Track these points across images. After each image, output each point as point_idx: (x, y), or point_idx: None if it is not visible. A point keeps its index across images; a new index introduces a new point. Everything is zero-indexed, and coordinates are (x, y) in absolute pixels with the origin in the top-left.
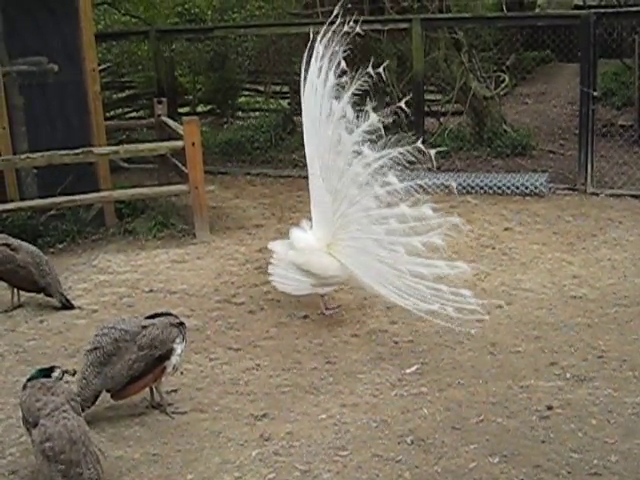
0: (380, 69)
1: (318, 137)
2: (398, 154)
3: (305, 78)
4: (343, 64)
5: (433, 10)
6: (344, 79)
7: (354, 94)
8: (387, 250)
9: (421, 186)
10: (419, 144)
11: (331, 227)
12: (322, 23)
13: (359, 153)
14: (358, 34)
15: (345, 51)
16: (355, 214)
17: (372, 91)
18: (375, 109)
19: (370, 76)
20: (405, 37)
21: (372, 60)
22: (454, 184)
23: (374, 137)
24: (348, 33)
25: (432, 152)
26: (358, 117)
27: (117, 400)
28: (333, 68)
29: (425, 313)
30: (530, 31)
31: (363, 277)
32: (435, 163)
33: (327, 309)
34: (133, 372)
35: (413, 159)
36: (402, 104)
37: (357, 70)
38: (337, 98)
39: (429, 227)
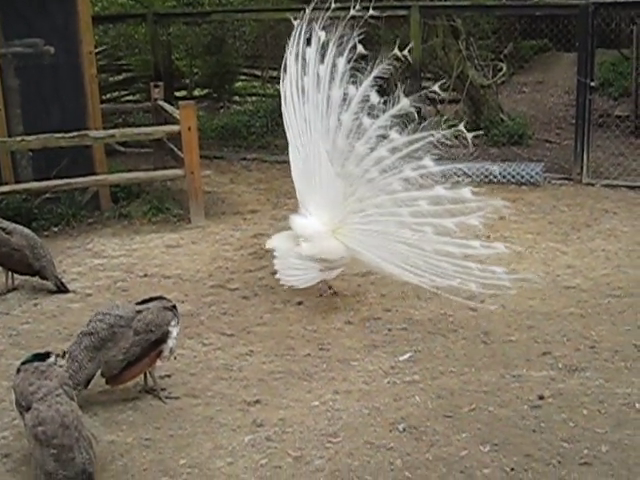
0: (406, 52)
1: (325, 122)
2: (434, 138)
3: (293, 64)
4: (361, 48)
5: None
6: (351, 64)
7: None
8: (411, 230)
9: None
10: (461, 127)
11: (340, 211)
12: (320, 9)
13: (385, 137)
14: (353, 18)
15: (343, 36)
16: (375, 197)
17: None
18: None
19: (397, 59)
20: (403, 24)
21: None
22: (496, 168)
23: (402, 121)
24: (354, 17)
25: (469, 135)
26: (386, 102)
27: (113, 386)
28: (345, 53)
29: (440, 289)
30: (528, 20)
31: (371, 258)
32: (471, 147)
33: (329, 290)
34: (129, 357)
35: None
36: (436, 87)
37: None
38: (354, 83)
39: (467, 209)
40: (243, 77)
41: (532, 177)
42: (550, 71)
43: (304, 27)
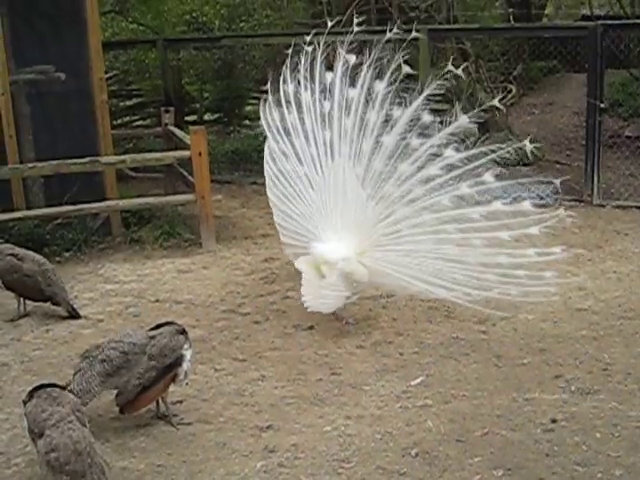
0: (459, 70)
1: (356, 146)
2: (496, 153)
3: (305, 91)
4: (407, 69)
5: (440, 21)
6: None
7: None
8: (456, 246)
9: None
10: (526, 142)
11: (370, 234)
12: (330, 33)
13: (437, 156)
14: (365, 43)
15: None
16: (416, 217)
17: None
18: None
19: (454, 76)
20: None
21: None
22: (557, 182)
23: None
24: (365, 42)
25: (529, 147)
26: (442, 122)
27: (128, 413)
28: (387, 76)
29: (474, 302)
30: (537, 41)
31: (398, 278)
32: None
33: (347, 322)
34: (145, 381)
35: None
36: (496, 102)
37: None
38: (400, 105)
39: (527, 222)
40: (253, 101)
41: (542, 199)
42: (560, 92)
43: (318, 52)
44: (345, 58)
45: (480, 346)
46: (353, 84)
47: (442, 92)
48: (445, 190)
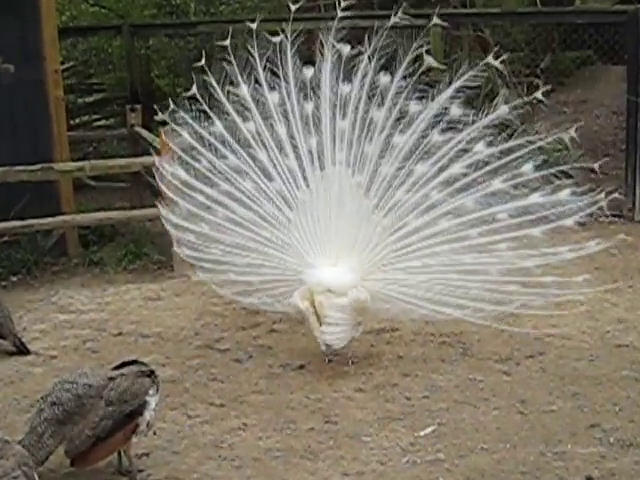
0: (497, 62)
1: (357, 150)
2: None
3: (270, 92)
4: (431, 60)
5: (455, 4)
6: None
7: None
8: (477, 253)
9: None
10: (572, 131)
11: (374, 252)
12: (324, 18)
13: (466, 151)
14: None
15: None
16: (433, 225)
17: None
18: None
19: (491, 67)
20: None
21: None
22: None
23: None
24: (365, 29)
25: (570, 134)
26: (478, 113)
27: (80, 467)
28: (402, 68)
29: (485, 319)
30: (569, 28)
31: (405, 301)
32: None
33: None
34: (99, 432)
35: None
36: (539, 94)
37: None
38: (419, 99)
39: (563, 214)
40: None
41: (575, 213)
42: (595, 88)
43: (288, 44)
44: (336, 48)
45: (502, 389)
46: (347, 79)
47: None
48: (472, 190)
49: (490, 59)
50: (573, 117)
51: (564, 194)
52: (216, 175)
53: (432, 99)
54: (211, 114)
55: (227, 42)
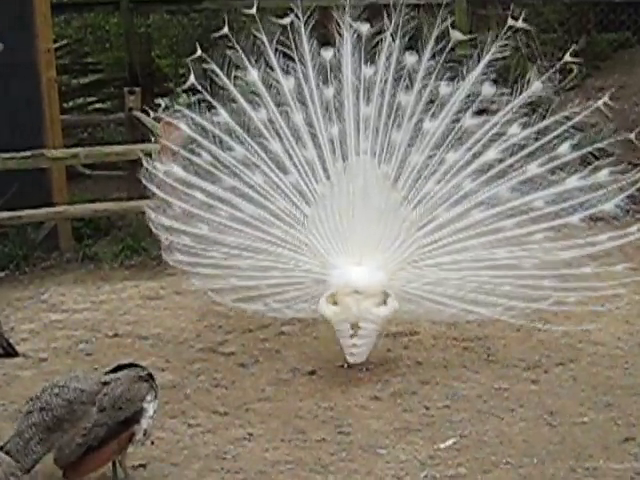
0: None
1: (383, 139)
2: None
3: (285, 76)
4: (458, 35)
5: None
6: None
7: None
8: (511, 246)
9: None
10: (606, 98)
11: (402, 249)
12: None
13: (501, 135)
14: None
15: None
16: (465, 217)
17: None
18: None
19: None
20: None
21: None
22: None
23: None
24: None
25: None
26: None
27: (72, 478)
28: (429, 46)
29: (517, 317)
30: (605, 7)
31: (429, 304)
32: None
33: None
34: (91, 440)
35: None
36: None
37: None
38: (450, 79)
39: (603, 197)
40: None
41: (611, 210)
42: (634, 73)
43: (302, 24)
44: (354, 27)
45: (529, 399)
46: (370, 60)
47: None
48: (507, 177)
49: (513, 22)
50: (610, 105)
51: (603, 174)
52: (220, 170)
53: (462, 79)
54: (215, 103)
55: (225, 30)
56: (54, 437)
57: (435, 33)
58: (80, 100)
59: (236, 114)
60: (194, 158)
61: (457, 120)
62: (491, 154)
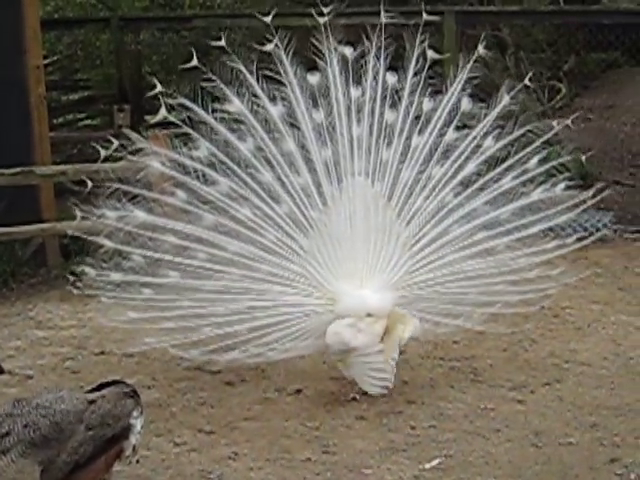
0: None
1: (375, 157)
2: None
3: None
4: (431, 53)
5: (471, 1)
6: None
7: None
8: (480, 257)
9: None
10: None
11: (397, 267)
12: (333, 14)
13: (479, 147)
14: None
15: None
16: (447, 234)
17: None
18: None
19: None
20: (435, 34)
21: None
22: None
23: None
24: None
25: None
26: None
27: None
28: (412, 64)
29: (477, 323)
30: (594, 29)
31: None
32: None
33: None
34: (78, 457)
35: None
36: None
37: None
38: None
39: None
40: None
41: (598, 230)
42: (622, 93)
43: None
44: (339, 51)
45: (515, 420)
46: (357, 81)
47: (474, 88)
48: (485, 192)
49: (481, 49)
50: (598, 124)
51: (559, 189)
52: (199, 207)
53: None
54: (195, 135)
55: (195, 62)
56: (38, 453)
57: (416, 52)
58: (70, 116)
59: (219, 145)
60: (165, 198)
61: (443, 134)
62: (471, 167)
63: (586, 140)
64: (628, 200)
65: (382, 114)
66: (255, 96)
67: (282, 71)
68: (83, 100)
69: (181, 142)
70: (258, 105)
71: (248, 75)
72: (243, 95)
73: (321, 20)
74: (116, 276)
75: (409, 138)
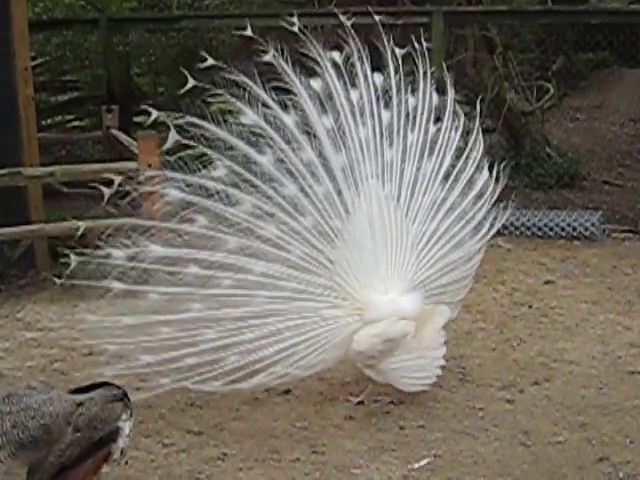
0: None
1: (380, 159)
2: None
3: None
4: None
5: (460, 1)
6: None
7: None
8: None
9: None
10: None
11: (410, 266)
12: (320, 15)
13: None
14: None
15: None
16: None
17: None
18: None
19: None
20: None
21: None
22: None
23: None
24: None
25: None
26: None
27: None
28: (391, 64)
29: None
30: (582, 29)
31: None
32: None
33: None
34: (65, 459)
35: None
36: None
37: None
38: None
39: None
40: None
41: (587, 229)
42: (611, 92)
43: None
44: (328, 55)
45: (504, 419)
46: (353, 84)
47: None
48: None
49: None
50: (587, 124)
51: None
52: (222, 231)
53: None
54: (212, 155)
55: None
56: (26, 454)
57: (400, 53)
58: (58, 118)
59: (238, 162)
60: (184, 227)
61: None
62: (449, 159)
63: (574, 140)
64: (616, 200)
65: (380, 115)
66: (266, 106)
67: (289, 80)
68: (72, 101)
69: (198, 163)
70: (271, 115)
71: (254, 87)
72: (256, 106)
73: (310, 22)
74: (129, 320)
75: (405, 136)
